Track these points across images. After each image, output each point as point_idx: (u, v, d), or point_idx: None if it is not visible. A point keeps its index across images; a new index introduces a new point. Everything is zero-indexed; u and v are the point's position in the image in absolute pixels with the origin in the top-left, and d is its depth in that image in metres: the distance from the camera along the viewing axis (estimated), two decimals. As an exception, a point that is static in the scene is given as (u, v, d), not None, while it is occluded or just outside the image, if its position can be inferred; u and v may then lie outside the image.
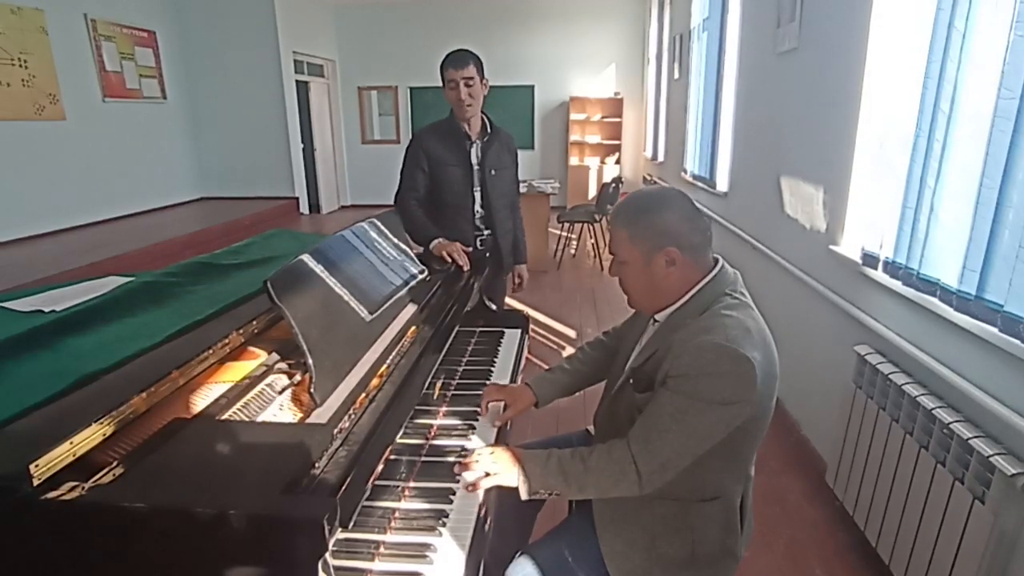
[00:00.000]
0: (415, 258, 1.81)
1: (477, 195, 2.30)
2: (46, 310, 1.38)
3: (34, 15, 5.49)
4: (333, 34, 9.21)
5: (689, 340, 1.07)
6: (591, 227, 6.06)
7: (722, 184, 4.15)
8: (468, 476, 1.13)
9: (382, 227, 1.73)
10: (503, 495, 1.54)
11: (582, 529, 1.25)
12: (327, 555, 0.76)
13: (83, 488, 0.79)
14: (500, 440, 1.42)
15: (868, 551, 1.93)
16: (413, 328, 1.49)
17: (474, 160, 2.27)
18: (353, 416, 1.04)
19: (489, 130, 2.31)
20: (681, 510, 1.18)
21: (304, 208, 8.52)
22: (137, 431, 0.95)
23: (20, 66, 5.39)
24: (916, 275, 1.78)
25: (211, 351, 1.14)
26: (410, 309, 1.57)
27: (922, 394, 1.69)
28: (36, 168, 5.54)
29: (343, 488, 0.81)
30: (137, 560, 0.77)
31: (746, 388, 1.04)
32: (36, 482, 0.77)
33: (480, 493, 1.15)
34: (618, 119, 8.73)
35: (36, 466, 0.77)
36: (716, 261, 1.18)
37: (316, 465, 0.87)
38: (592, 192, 8.48)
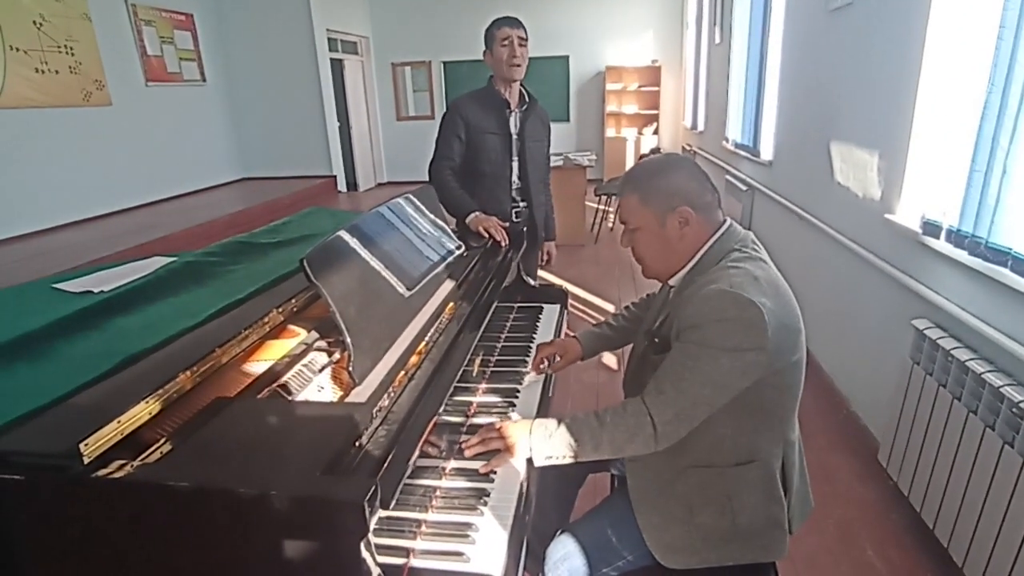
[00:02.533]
0: (452, 233, 1.79)
1: (515, 165, 2.26)
2: (95, 291, 1.41)
3: (76, 1, 5.61)
4: (367, 10, 9.17)
5: (695, 293, 1.07)
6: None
7: (766, 152, 3.98)
8: (471, 453, 1.13)
9: (418, 202, 1.70)
10: (544, 471, 1.55)
11: (624, 506, 1.22)
12: (369, 535, 0.75)
13: (132, 466, 0.81)
14: (543, 406, 1.42)
15: (925, 534, 1.85)
16: (451, 304, 1.48)
17: (513, 129, 2.23)
18: (392, 394, 1.04)
19: (527, 100, 2.27)
20: (716, 476, 1.14)
21: (341, 186, 8.61)
22: (181, 410, 0.96)
23: (67, 53, 5.54)
24: (984, 244, 1.66)
25: (251, 330, 1.15)
26: (448, 285, 1.55)
27: (989, 371, 1.59)
28: (85, 154, 5.73)
29: (384, 468, 0.80)
30: (183, 537, 0.78)
31: (756, 334, 1.01)
32: (87, 460, 0.79)
33: (521, 471, 1.13)
34: (656, 88, 8.47)
35: (86, 444, 0.79)
36: (725, 221, 1.17)
37: (356, 444, 0.86)
38: (630, 164, 8.29)
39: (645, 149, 7.70)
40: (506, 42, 2.13)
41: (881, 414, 2.26)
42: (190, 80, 7.15)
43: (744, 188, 4.34)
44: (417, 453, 0.98)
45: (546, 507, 1.58)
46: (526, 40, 2.16)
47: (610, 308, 4.16)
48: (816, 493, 2.10)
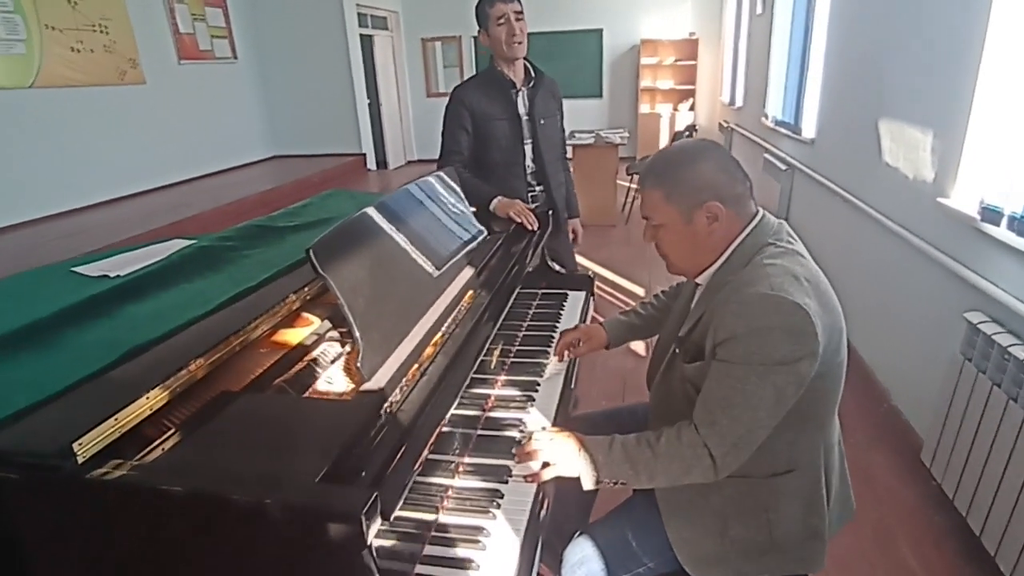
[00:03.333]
0: (473, 217, 1.72)
1: (528, 148, 2.15)
2: (111, 275, 1.39)
3: (110, -21, 5.64)
4: (395, -16, 9.03)
5: (731, 297, 0.96)
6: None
7: (808, 130, 3.78)
8: (523, 469, 1.07)
9: (437, 186, 1.64)
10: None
11: (647, 512, 1.16)
12: (369, 544, 0.71)
13: (127, 467, 0.78)
14: (564, 401, 1.37)
15: (969, 539, 1.74)
16: (471, 293, 1.42)
17: (522, 110, 2.11)
18: (404, 390, 0.99)
19: (533, 75, 2.14)
20: (752, 488, 1.07)
21: (371, 164, 8.59)
22: (187, 402, 0.93)
23: (101, 32, 5.59)
24: (1052, 233, 1.52)
25: (262, 320, 1.11)
26: (467, 273, 1.48)
27: (1051, 372, 1.47)
28: (120, 132, 5.81)
29: (386, 475, 0.75)
30: (178, 541, 0.75)
31: (805, 340, 0.92)
32: (81, 459, 0.76)
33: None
34: (693, 62, 8.16)
35: (80, 444, 0.76)
36: (757, 212, 1.07)
37: (359, 448, 0.82)
38: (664, 142, 8.05)
39: (680, 126, 7.45)
40: (502, 20, 1.99)
41: (926, 410, 2.13)
42: (222, 58, 7.18)
43: (783, 168, 4.14)
44: (426, 454, 0.93)
45: (567, 504, 1.53)
46: (522, 13, 2.02)
47: (640, 292, 4.05)
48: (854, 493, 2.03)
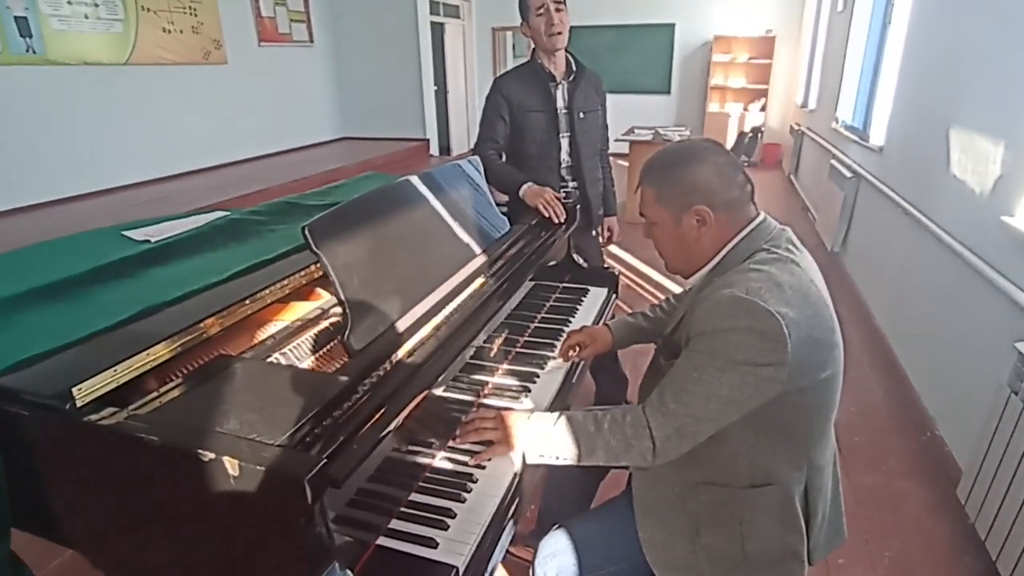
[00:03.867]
0: (495, 206, 1.74)
1: (564, 142, 2.13)
2: (153, 240, 1.51)
3: (201, -36, 5.98)
4: (470, -27, 9.12)
5: (708, 296, 0.96)
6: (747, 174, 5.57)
7: (877, 137, 3.56)
8: (463, 442, 1.11)
9: (460, 173, 1.67)
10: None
11: (625, 512, 1.16)
12: (318, 511, 0.75)
13: (120, 415, 0.85)
14: (560, 396, 1.38)
15: (996, 585, 1.63)
16: (480, 281, 1.44)
17: (560, 103, 2.10)
18: (389, 368, 1.03)
19: (575, 68, 2.12)
20: (728, 497, 1.05)
21: (434, 150, 8.74)
22: (184, 362, 1.01)
23: (191, 14, 5.95)
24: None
25: (269, 291, 1.17)
26: (479, 261, 1.50)
27: (1098, 413, 1.34)
28: (201, 109, 6.18)
29: (341, 448, 0.79)
30: (154, 486, 0.82)
31: (772, 348, 0.89)
32: (80, 404, 0.84)
33: (516, 463, 1.10)
34: (767, 61, 7.82)
35: (79, 389, 0.84)
36: (756, 216, 1.05)
37: (327, 417, 0.86)
38: (730, 142, 7.77)
39: (748, 126, 7.17)
40: (541, 10, 1.97)
41: (970, 443, 1.99)
42: (299, 41, 7.48)
43: (849, 175, 3.93)
44: (391, 428, 0.97)
45: (565, 493, 1.54)
46: (563, 4, 1.99)
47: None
48: (875, 520, 1.93)
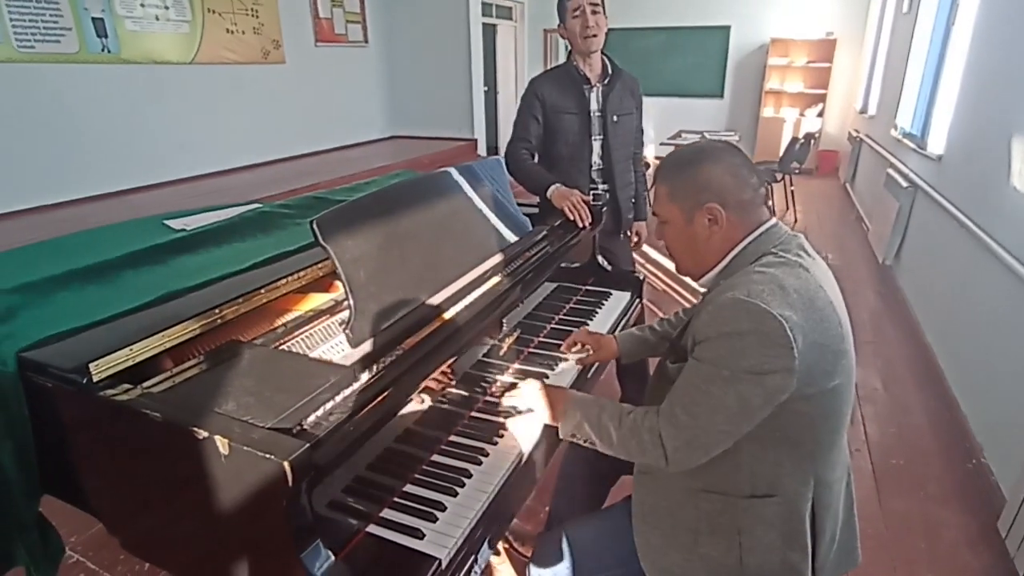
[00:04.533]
0: (515, 207, 1.75)
1: (596, 145, 2.12)
2: (189, 229, 1.59)
3: (264, -32, 6.23)
4: (524, -25, 9.16)
5: (711, 300, 0.95)
6: (770, 187, 5.40)
7: (936, 145, 3.38)
8: (510, 403, 1.17)
9: (488, 170, 1.69)
10: (573, 460, 1.50)
11: (624, 518, 1.15)
12: (301, 495, 0.78)
13: (133, 391, 0.91)
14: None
15: (1033, 625, 1.52)
16: (496, 280, 1.45)
17: (593, 106, 2.09)
18: (390, 360, 1.05)
19: (610, 71, 2.11)
20: (729, 506, 1.03)
21: (482, 150, 8.82)
22: (198, 345, 1.06)
23: (252, 16, 6.21)
24: None
25: (284, 281, 1.22)
26: (495, 260, 1.51)
27: None
28: (259, 106, 6.44)
29: (328, 435, 0.82)
30: (158, 459, 0.87)
31: (777, 352, 0.87)
32: (96, 378, 0.90)
33: (508, 461, 1.11)
34: (827, 64, 7.51)
35: (96, 365, 0.90)
36: (767, 220, 1.03)
37: (323, 405, 0.89)
38: (783, 147, 7.51)
39: (803, 132, 6.89)
40: (577, 12, 1.97)
41: (1016, 473, 1.87)
42: (354, 41, 7.68)
43: (905, 185, 3.74)
44: (383, 419, 0.99)
45: (575, 498, 1.54)
46: (599, 6, 1.99)
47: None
48: (906, 548, 1.84)
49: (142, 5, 5.13)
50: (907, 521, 1.96)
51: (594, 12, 1.99)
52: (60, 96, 4.60)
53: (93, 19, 4.77)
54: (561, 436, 1.12)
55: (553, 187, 1.98)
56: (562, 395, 1.14)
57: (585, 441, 1.08)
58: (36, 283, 1.14)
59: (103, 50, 4.89)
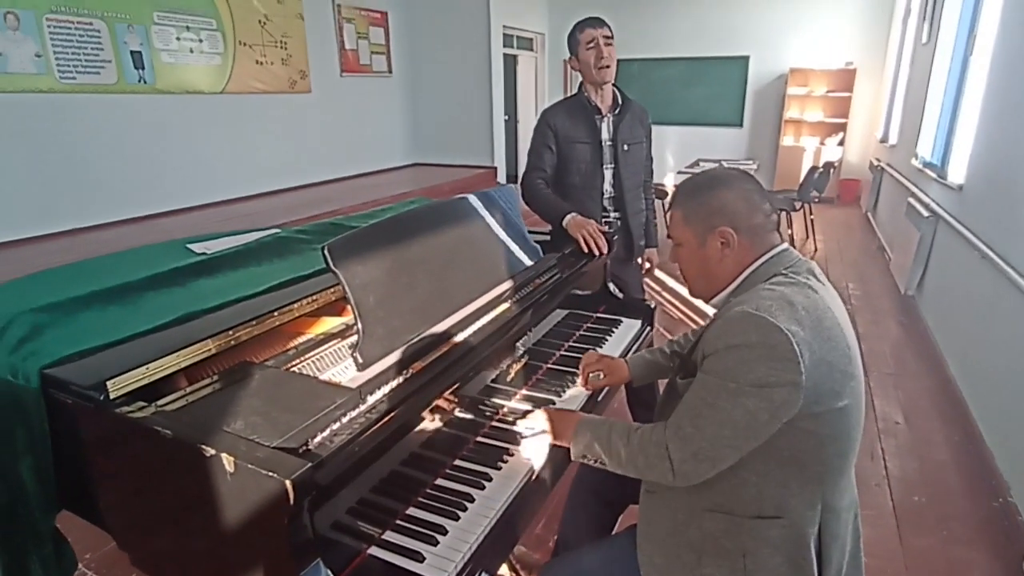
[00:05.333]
0: (526, 234, 1.78)
1: (608, 174, 2.16)
2: (209, 252, 1.64)
3: (294, 3, 6.49)
4: (545, 8, 9.37)
5: (720, 315, 0.98)
6: (789, 215, 5.37)
7: (956, 175, 3.35)
8: (522, 428, 1.18)
9: (499, 198, 1.72)
10: (581, 488, 1.50)
11: (631, 544, 1.14)
12: (303, 514, 0.80)
13: (147, 409, 0.94)
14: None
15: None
16: (505, 306, 1.47)
17: (605, 135, 2.13)
18: (396, 384, 1.07)
19: (620, 102, 2.15)
20: (733, 527, 1.02)
21: (501, 178, 8.94)
22: (212, 364, 1.10)
23: (281, 47, 6.45)
24: None
25: (296, 305, 1.26)
26: (505, 285, 1.53)
27: None
28: (286, 134, 6.64)
29: (331, 456, 0.84)
30: (167, 475, 0.90)
31: (784, 366, 0.88)
32: (113, 395, 0.93)
33: (512, 487, 1.11)
34: (847, 94, 7.51)
35: (113, 383, 0.93)
36: (778, 244, 1.06)
37: (329, 426, 0.91)
38: (803, 176, 7.48)
39: (823, 161, 6.87)
40: (591, 44, 2.03)
41: (1043, 513, 1.81)
42: (378, 72, 7.91)
43: (926, 215, 3.69)
44: (387, 442, 1.00)
45: (583, 526, 1.53)
46: (612, 38, 2.05)
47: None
48: (928, 589, 1.78)
49: (178, 39, 5.36)
50: (929, 561, 1.89)
51: (607, 44, 2.04)
52: (97, 124, 4.80)
53: (132, 52, 5.00)
54: (572, 457, 1.12)
55: (569, 216, 2.01)
56: (572, 416, 1.16)
57: (595, 461, 1.09)
58: (62, 303, 1.19)
59: (139, 81, 5.11)
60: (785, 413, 0.91)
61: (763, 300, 0.93)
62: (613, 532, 1.52)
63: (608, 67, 2.06)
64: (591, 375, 1.45)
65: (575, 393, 1.48)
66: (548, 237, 2.09)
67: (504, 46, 8.48)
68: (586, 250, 1.92)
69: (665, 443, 0.99)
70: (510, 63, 8.83)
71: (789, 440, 0.94)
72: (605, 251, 1.93)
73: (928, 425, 2.66)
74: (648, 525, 1.12)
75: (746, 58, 8.11)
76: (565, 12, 9.18)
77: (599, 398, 1.52)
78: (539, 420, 1.18)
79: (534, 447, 1.18)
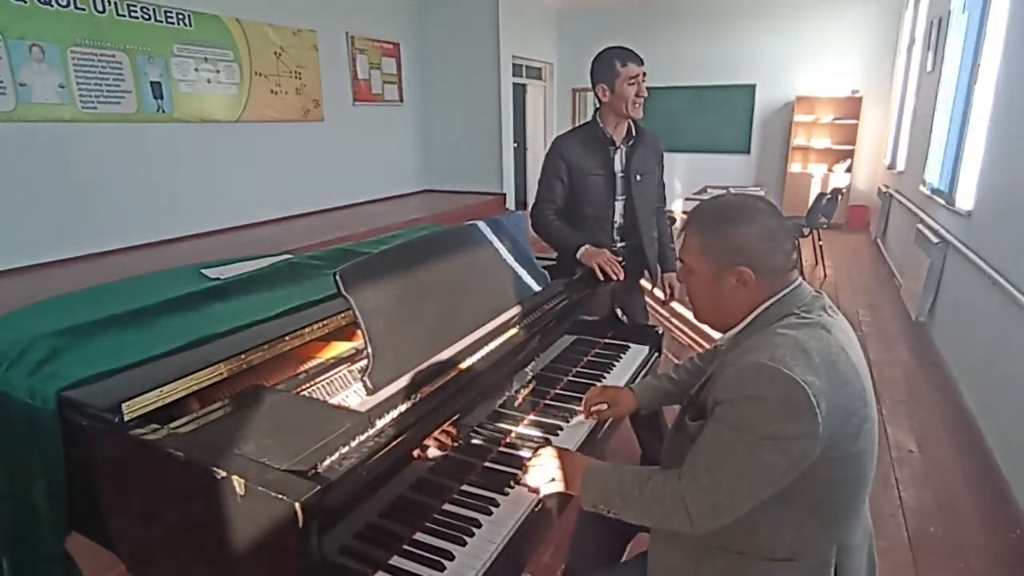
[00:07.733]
0: (534, 261, 1.80)
1: (619, 205, 2.17)
2: (222, 277, 1.68)
3: (309, 35, 6.68)
4: (554, 38, 9.57)
5: (734, 361, 0.94)
6: (797, 241, 5.37)
7: (964, 201, 3.35)
8: (530, 480, 1.13)
9: (507, 225, 1.74)
10: (589, 516, 1.48)
11: (640, 573, 1.13)
12: (312, 536, 0.80)
13: (161, 431, 0.95)
14: (585, 450, 1.38)
15: None
16: (513, 331, 1.48)
17: (618, 167, 2.14)
18: (406, 409, 1.08)
19: (634, 133, 2.17)
20: (746, 568, 1.00)
21: (511, 204, 9.03)
22: (225, 388, 1.11)
23: (296, 77, 6.62)
24: None
25: (308, 329, 1.28)
26: (514, 311, 1.55)
27: None
28: (299, 161, 6.77)
29: (340, 480, 0.85)
30: (179, 495, 0.91)
31: (800, 418, 0.86)
32: (127, 417, 0.95)
33: (517, 513, 1.11)
34: (853, 121, 7.55)
35: (128, 405, 0.95)
36: (793, 282, 1.03)
37: (338, 450, 0.92)
38: (811, 202, 7.49)
39: (830, 187, 6.89)
40: (633, 80, 2.03)
41: (1062, 545, 1.77)
42: (390, 101, 8.08)
43: (936, 241, 3.69)
44: (397, 465, 1.01)
45: (591, 556, 1.51)
46: (645, 76, 2.09)
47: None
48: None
49: (196, 70, 5.51)
50: (945, 594, 1.85)
51: (644, 80, 2.07)
52: (116, 152, 4.93)
53: (151, 82, 5.14)
54: (583, 507, 1.09)
55: (583, 248, 2.03)
56: (580, 465, 1.11)
57: (608, 511, 1.06)
58: (80, 327, 1.22)
59: (158, 110, 5.25)
60: (803, 464, 0.89)
61: (777, 349, 0.91)
62: (622, 560, 1.51)
63: (642, 104, 2.09)
64: (594, 408, 1.44)
65: (582, 419, 1.48)
66: (555, 262, 2.11)
67: (513, 75, 8.63)
68: (602, 278, 1.93)
69: (681, 494, 0.96)
70: (519, 91, 8.99)
71: (804, 484, 0.92)
72: (622, 277, 1.95)
73: (942, 453, 2.62)
74: (659, 562, 1.10)
75: (753, 86, 8.21)
76: (573, 42, 9.39)
77: (606, 425, 1.52)
78: (549, 463, 1.13)
79: (543, 488, 1.13)
